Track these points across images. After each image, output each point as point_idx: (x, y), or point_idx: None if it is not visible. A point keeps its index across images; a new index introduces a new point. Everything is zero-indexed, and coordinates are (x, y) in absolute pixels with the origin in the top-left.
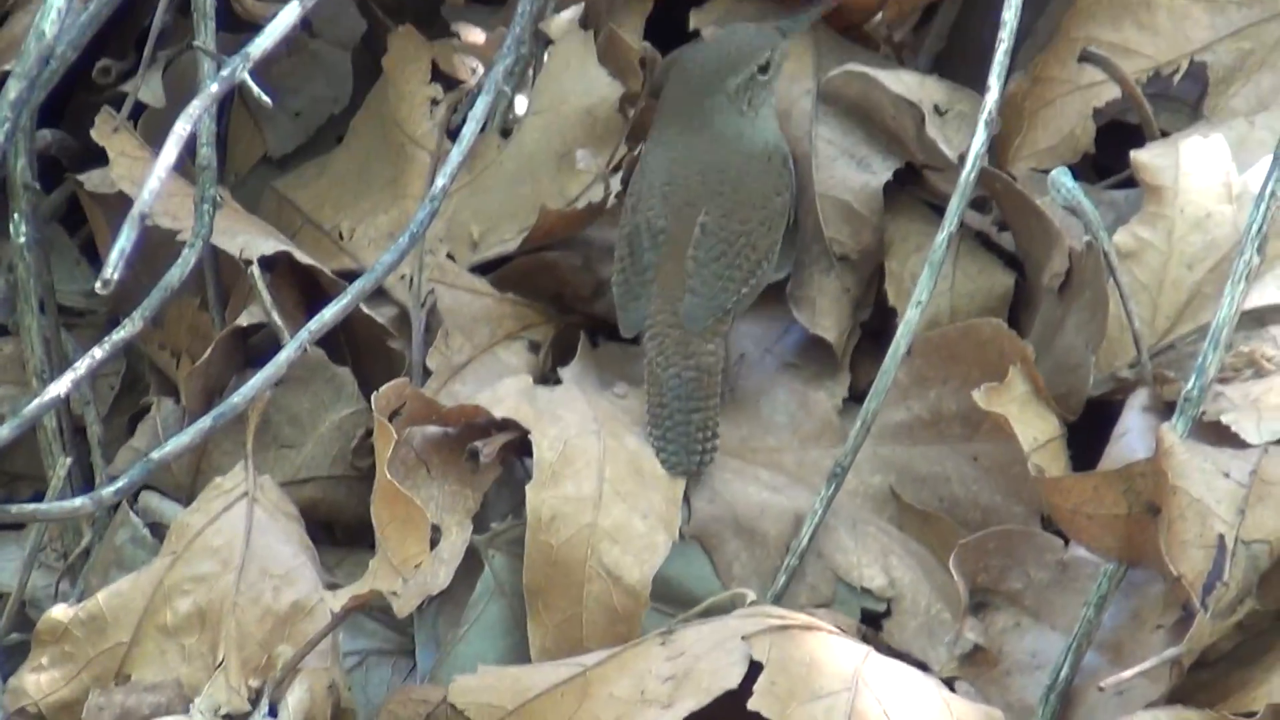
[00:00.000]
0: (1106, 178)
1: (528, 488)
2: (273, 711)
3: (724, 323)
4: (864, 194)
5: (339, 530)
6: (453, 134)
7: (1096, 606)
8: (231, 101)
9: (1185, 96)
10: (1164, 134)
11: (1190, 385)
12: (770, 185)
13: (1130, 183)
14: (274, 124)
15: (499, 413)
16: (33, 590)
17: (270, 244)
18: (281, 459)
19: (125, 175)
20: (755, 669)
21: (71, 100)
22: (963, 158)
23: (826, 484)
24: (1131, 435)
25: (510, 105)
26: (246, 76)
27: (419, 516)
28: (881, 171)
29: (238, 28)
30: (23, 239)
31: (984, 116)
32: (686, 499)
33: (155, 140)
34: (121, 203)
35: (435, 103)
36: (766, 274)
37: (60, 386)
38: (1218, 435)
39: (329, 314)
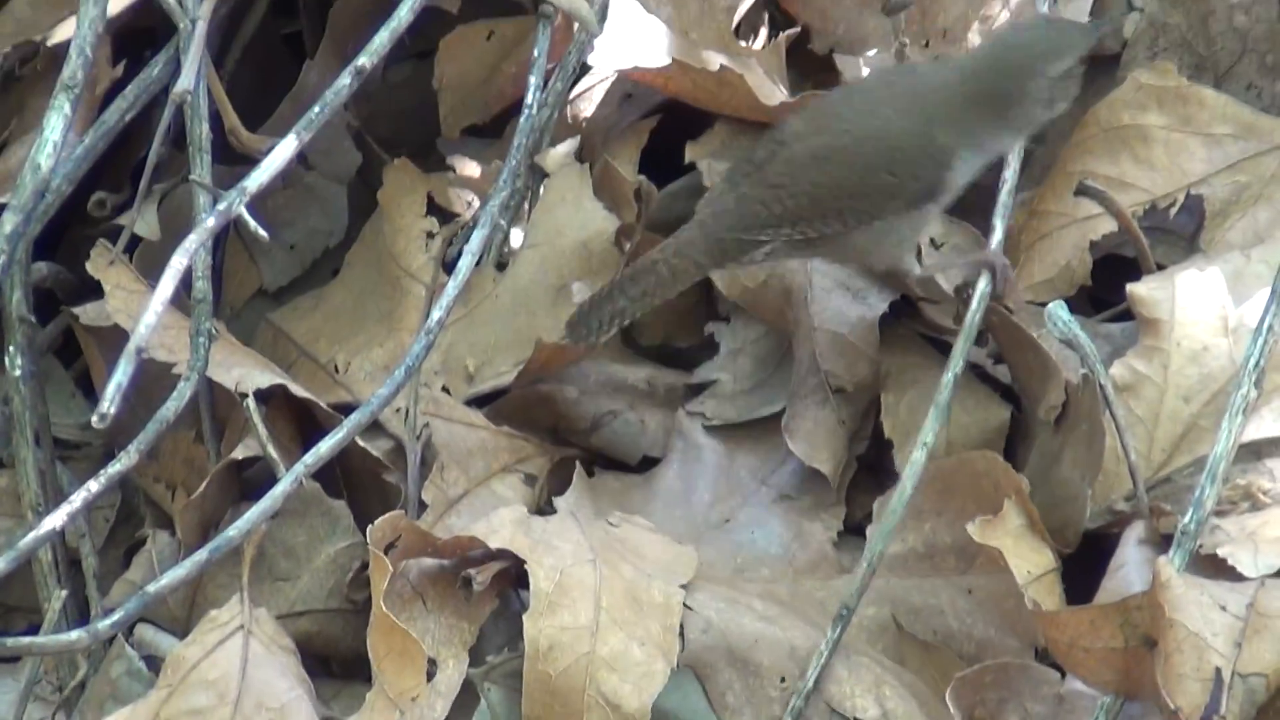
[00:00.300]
0: (1103, 310)
1: (525, 617)
2: None
3: (728, 254)
4: (860, 327)
5: (335, 663)
6: (448, 267)
7: None
8: (227, 234)
9: (1181, 230)
10: (1160, 267)
11: (1187, 518)
12: (895, 163)
13: (1127, 316)
14: (269, 257)
15: (494, 543)
16: None
17: (266, 377)
18: (277, 592)
19: (121, 308)
20: None
21: (67, 233)
22: (959, 290)
23: (832, 626)
24: (1128, 568)
25: (506, 238)
26: (243, 210)
27: (415, 649)
28: (878, 304)
29: (233, 160)
30: (18, 371)
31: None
32: (680, 628)
33: (151, 273)
34: (117, 336)
35: (431, 236)
36: (820, 236)
37: (56, 519)
38: (1214, 568)
39: (324, 447)
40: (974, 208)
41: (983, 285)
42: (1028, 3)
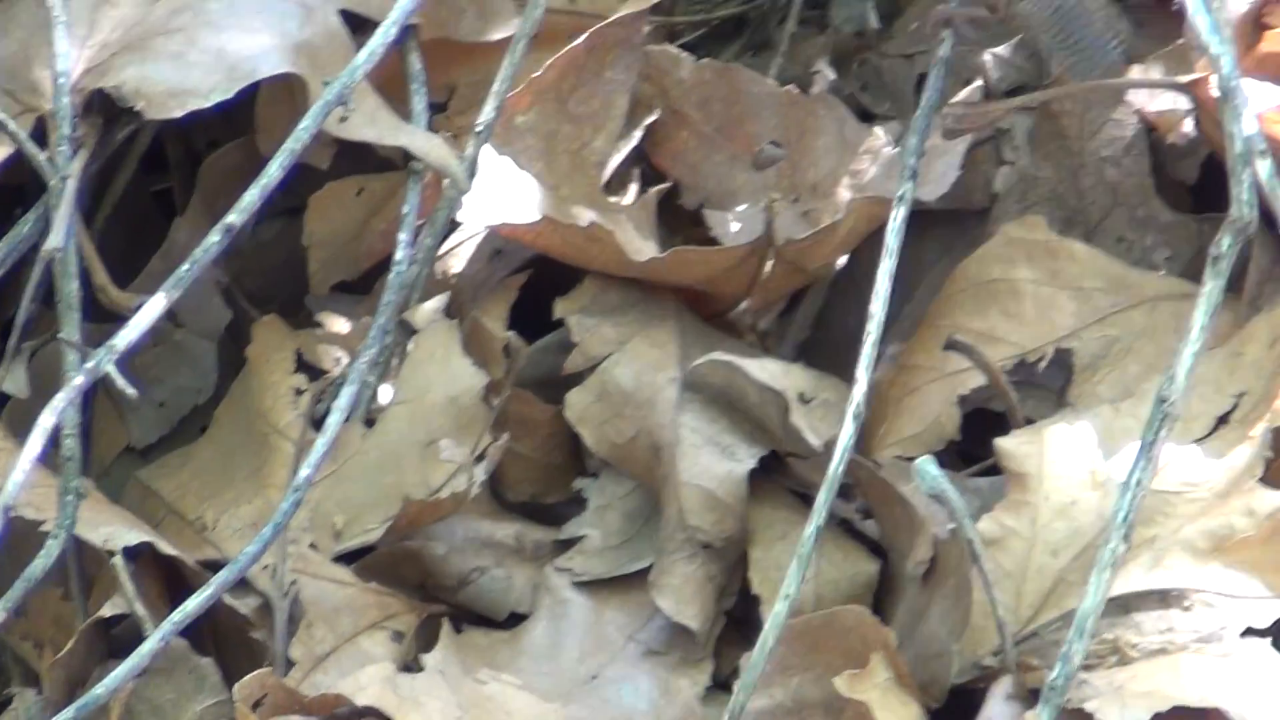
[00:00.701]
0: (971, 465)
1: None
2: None
3: None
4: (728, 482)
5: None
6: (317, 424)
7: None
8: (96, 392)
9: (1050, 384)
10: (1029, 421)
11: (1055, 674)
12: None
13: (996, 470)
14: (138, 414)
15: (361, 701)
16: None
17: (134, 535)
18: None
19: None
20: None
21: None
22: (827, 445)
23: None
24: None
25: (374, 395)
26: (111, 368)
27: None
28: (746, 459)
29: (103, 318)
30: None
31: (852, 409)
32: None
33: (20, 431)
34: None
35: (299, 393)
36: None
37: None
38: None
39: (192, 605)
40: (842, 362)
41: (846, 438)
42: (896, 159)
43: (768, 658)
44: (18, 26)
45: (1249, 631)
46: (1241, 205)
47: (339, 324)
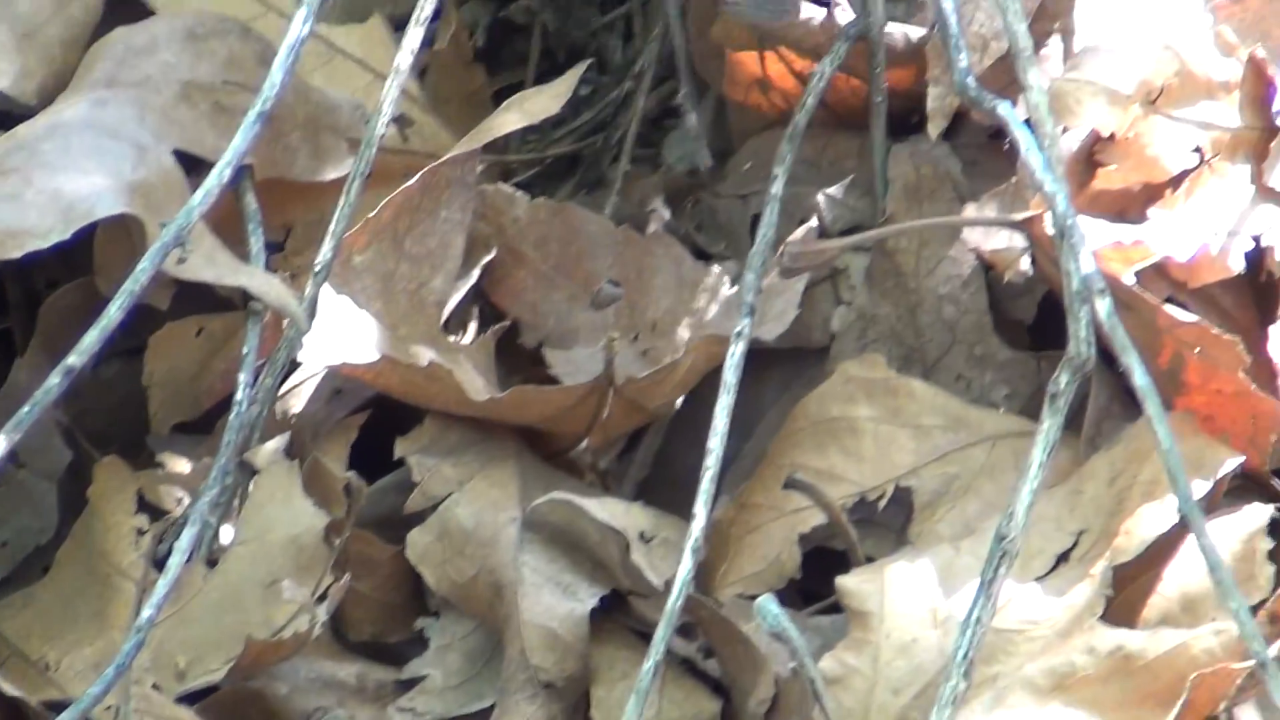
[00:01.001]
0: (813, 603)
1: None
2: None
3: None
4: (569, 621)
5: None
6: (159, 564)
7: None
8: None
9: (891, 522)
10: (870, 559)
11: None
12: None
13: (836, 608)
14: None
15: None
16: None
17: None
18: None
19: None
20: None
21: None
22: (669, 584)
23: None
24: None
25: (216, 535)
26: None
27: None
28: (587, 598)
29: None
30: None
31: (690, 544)
32: None
33: None
34: None
35: (141, 533)
36: None
37: None
38: None
39: None
40: (683, 500)
41: (684, 574)
42: (735, 299)
43: None
44: None
45: None
46: (1079, 343)
47: (180, 464)
